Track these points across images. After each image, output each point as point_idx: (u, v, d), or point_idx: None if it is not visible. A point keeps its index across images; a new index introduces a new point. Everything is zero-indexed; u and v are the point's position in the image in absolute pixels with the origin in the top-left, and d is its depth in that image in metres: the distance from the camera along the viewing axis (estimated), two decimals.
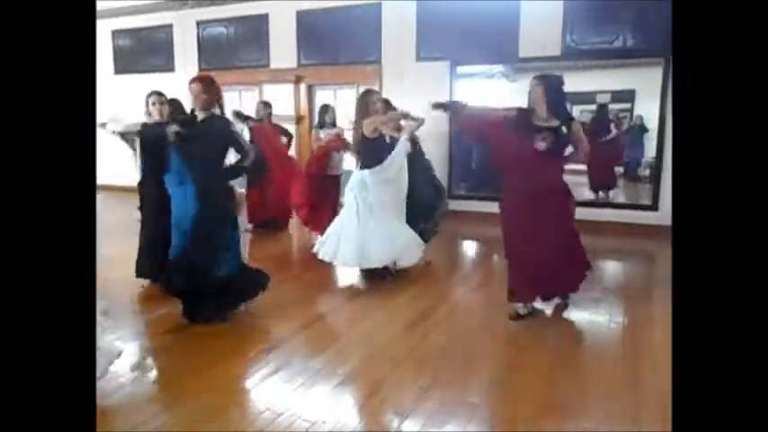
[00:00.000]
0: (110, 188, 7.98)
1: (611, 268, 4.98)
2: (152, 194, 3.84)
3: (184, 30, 8.35)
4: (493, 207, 3.60)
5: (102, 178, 5.82)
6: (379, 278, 4.27)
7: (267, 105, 6.21)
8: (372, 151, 4.15)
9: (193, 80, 3.33)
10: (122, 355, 2.84)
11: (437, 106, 3.72)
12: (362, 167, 4.20)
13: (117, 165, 5.64)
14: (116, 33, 9.00)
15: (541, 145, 3.20)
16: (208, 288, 3.33)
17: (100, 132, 2.96)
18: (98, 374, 2.40)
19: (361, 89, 7.15)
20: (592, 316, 3.57)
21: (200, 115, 3.32)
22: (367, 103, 4.18)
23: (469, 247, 6.12)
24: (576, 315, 3.56)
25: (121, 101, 8.44)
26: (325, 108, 5.99)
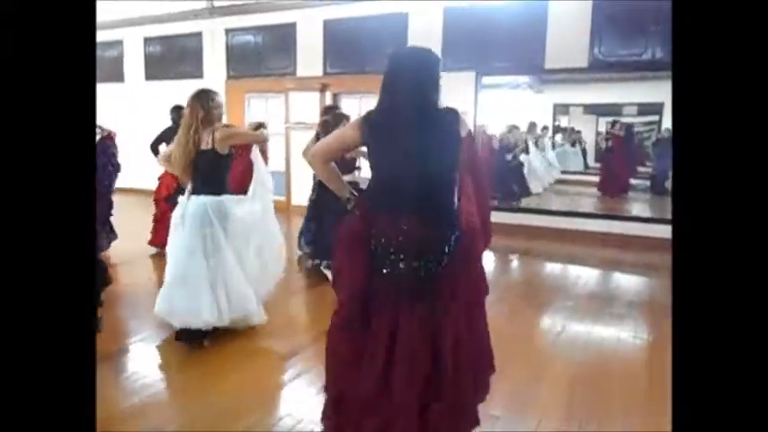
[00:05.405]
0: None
1: (636, 283, 4.90)
2: None
3: (214, 37, 8.51)
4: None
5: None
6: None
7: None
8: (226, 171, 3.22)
9: None
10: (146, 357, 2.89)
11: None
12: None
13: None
14: (147, 40, 9.22)
15: None
16: None
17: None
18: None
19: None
20: (616, 331, 3.51)
21: None
22: (209, 108, 3.07)
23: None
24: (600, 330, 3.51)
25: (151, 106, 8.66)
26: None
